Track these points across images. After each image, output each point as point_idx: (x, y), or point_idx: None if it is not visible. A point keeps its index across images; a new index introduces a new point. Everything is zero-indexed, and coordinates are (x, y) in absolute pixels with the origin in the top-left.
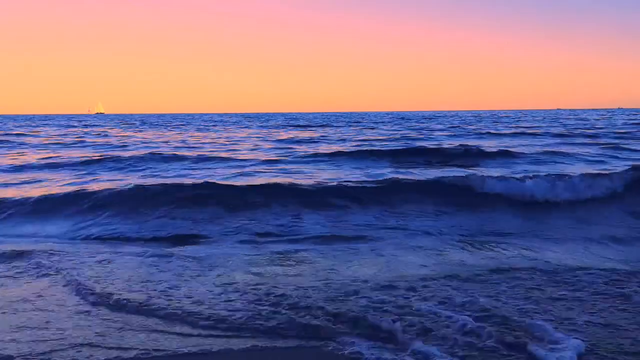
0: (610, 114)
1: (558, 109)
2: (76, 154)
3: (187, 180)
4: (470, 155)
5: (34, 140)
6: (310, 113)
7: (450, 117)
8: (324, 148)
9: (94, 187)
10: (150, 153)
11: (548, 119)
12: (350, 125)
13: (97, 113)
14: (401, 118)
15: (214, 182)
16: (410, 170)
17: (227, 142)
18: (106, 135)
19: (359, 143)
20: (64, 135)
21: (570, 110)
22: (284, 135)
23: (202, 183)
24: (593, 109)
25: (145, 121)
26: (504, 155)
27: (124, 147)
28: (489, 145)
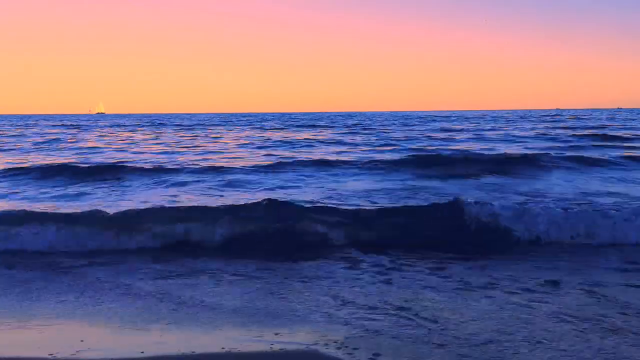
0: (610, 113)
1: (557, 109)
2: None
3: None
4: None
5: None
6: (310, 113)
7: (494, 117)
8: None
9: None
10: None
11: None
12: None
13: (98, 113)
14: (407, 117)
15: None
16: None
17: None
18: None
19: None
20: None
21: (570, 110)
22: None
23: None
24: (592, 109)
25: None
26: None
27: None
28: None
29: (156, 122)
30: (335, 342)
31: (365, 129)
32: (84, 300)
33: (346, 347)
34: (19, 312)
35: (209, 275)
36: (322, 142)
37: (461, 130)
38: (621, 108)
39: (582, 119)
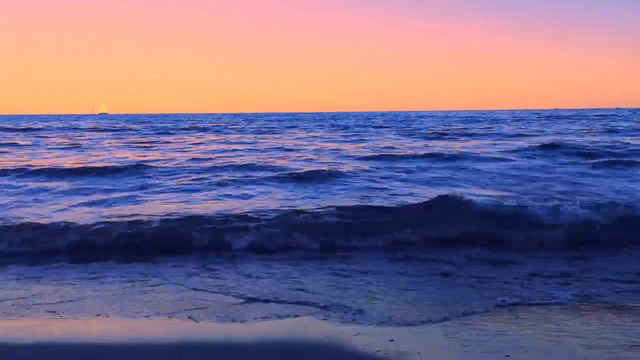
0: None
1: (556, 109)
2: None
3: None
4: None
5: None
6: (311, 113)
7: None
8: None
9: None
10: None
11: None
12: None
13: (101, 113)
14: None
15: None
16: None
17: None
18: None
19: None
20: None
21: (570, 110)
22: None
23: None
24: (591, 109)
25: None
26: None
27: None
28: None
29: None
30: None
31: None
32: None
33: None
34: None
35: None
36: None
37: None
38: (620, 108)
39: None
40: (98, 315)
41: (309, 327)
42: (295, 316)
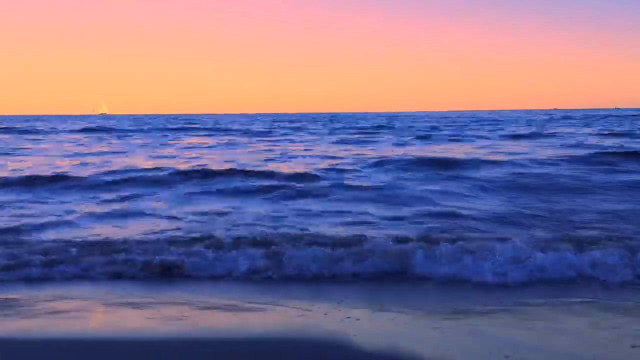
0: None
1: (555, 109)
2: None
3: None
4: None
5: None
6: (311, 113)
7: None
8: None
9: None
10: None
11: None
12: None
13: (102, 113)
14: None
15: None
16: None
17: None
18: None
19: None
20: None
21: (568, 110)
22: None
23: None
24: (591, 109)
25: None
26: None
27: None
28: None
29: None
30: None
31: None
32: None
33: None
34: None
35: None
36: None
37: None
38: (619, 108)
39: None
40: None
41: (309, 326)
42: (297, 315)
